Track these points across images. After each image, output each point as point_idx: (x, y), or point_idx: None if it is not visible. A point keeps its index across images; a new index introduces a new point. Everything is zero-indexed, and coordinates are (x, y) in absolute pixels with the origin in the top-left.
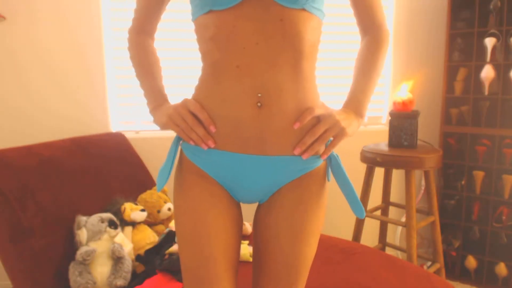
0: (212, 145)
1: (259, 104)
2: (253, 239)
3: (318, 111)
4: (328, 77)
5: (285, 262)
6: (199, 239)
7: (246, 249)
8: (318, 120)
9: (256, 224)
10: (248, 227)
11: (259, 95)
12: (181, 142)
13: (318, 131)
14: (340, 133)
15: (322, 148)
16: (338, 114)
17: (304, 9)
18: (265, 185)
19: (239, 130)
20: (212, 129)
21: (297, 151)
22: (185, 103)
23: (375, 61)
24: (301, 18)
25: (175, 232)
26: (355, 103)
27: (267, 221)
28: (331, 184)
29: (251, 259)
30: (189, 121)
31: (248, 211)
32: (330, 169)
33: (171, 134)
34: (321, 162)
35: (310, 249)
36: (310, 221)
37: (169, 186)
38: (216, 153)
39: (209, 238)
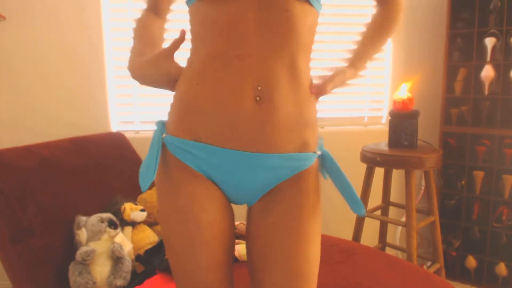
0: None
1: (257, 98)
2: (246, 242)
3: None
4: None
5: (289, 265)
6: (193, 247)
7: (244, 250)
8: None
9: (250, 226)
10: (242, 227)
11: (259, 88)
12: (164, 135)
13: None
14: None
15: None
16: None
17: (306, 1)
18: (260, 184)
19: (235, 127)
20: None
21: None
22: None
23: (384, 32)
24: (303, 10)
25: (162, 235)
26: (356, 62)
27: (264, 224)
28: (330, 184)
29: None
30: None
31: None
32: (324, 167)
33: None
34: (315, 159)
35: (314, 250)
36: (310, 221)
37: None
38: (207, 149)
39: (205, 245)
